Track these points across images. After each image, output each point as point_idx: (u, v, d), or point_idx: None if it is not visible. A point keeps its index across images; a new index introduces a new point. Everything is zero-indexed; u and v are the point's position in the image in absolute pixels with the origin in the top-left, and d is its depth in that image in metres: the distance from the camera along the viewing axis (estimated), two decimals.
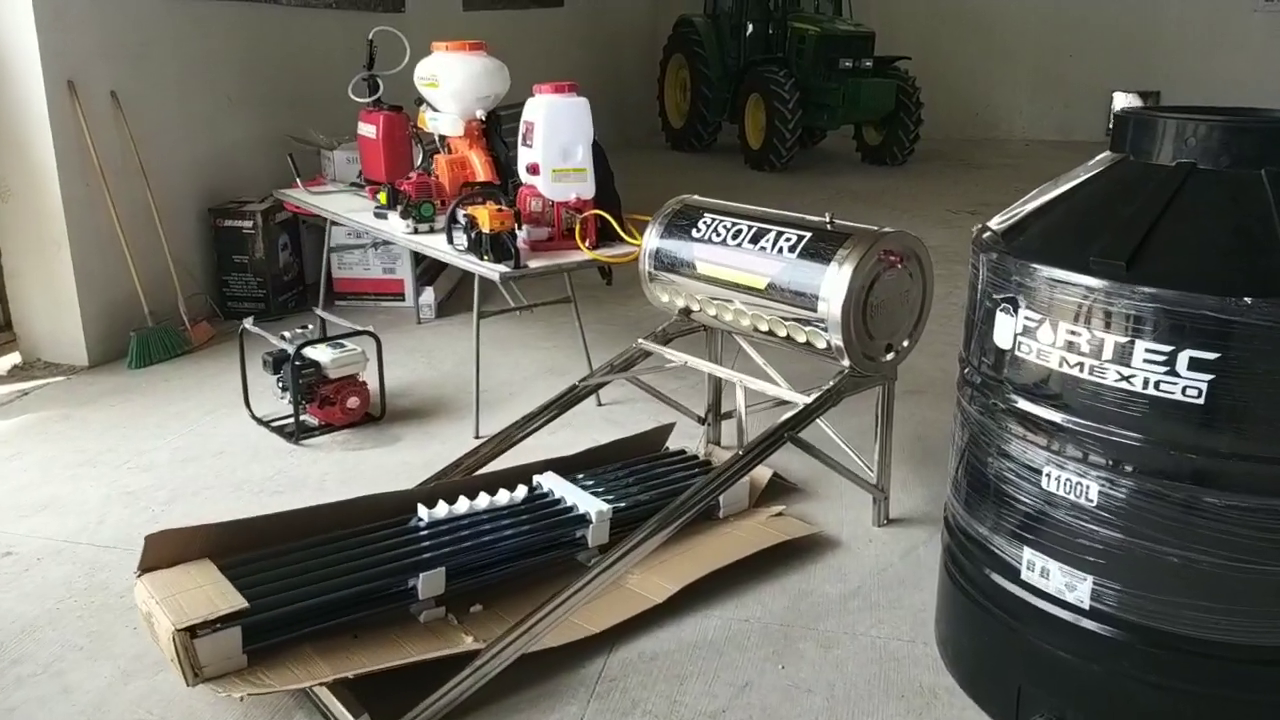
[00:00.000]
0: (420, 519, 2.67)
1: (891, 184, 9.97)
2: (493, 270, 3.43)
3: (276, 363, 3.72)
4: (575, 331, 4.32)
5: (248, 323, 3.89)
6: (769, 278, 2.84)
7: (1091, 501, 1.91)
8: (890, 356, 2.86)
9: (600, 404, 4.12)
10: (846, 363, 2.76)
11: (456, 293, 5.68)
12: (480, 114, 4.10)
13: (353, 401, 3.80)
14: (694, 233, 3.10)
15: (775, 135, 10.30)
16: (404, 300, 5.57)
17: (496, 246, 3.46)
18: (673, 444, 3.51)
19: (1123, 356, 1.81)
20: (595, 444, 3.42)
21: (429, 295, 5.35)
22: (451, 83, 4.02)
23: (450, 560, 2.53)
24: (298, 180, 4.60)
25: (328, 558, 2.49)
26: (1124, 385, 1.82)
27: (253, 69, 5.57)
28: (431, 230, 3.97)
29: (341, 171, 5.31)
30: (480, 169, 4.12)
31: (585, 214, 3.67)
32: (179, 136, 5.07)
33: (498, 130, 4.20)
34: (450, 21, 7.67)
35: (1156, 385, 1.79)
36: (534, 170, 3.60)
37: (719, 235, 3.02)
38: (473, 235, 3.52)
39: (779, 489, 3.29)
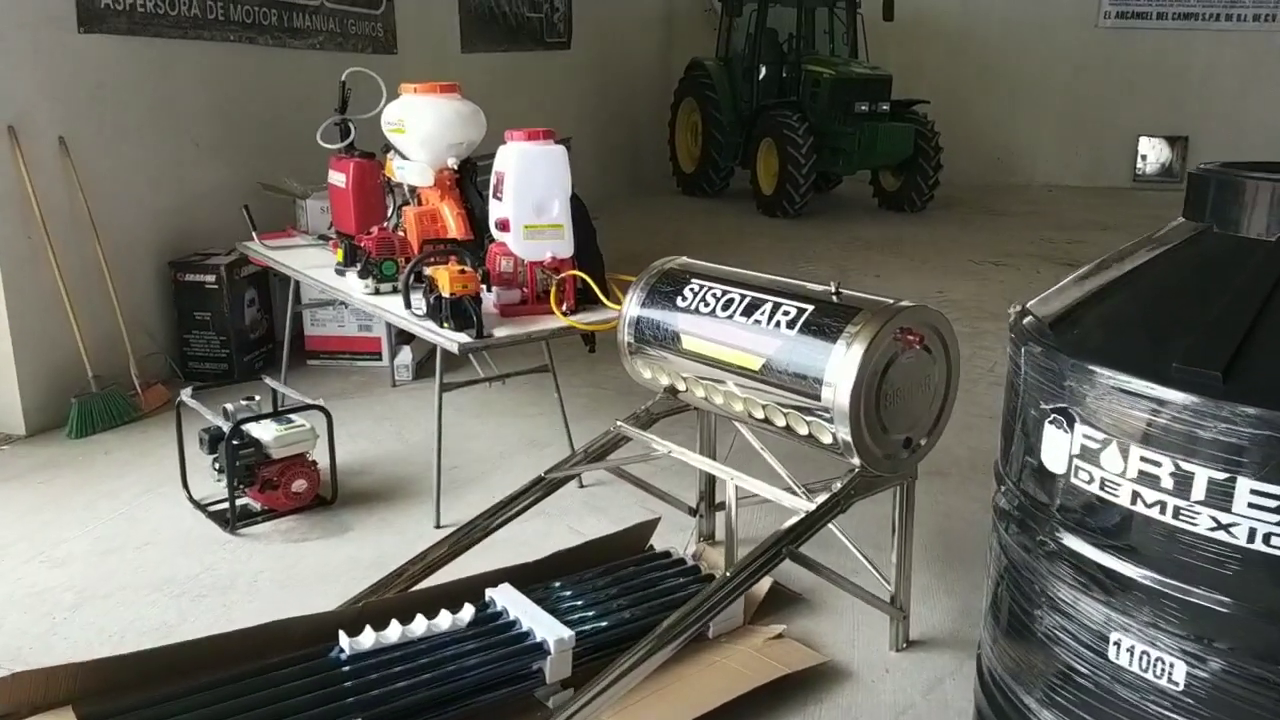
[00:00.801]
0: (341, 650, 2.22)
1: (910, 232, 9.55)
2: (451, 340, 3.00)
3: (213, 440, 3.30)
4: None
5: (185, 394, 3.47)
6: (765, 357, 2.39)
7: (1176, 685, 1.44)
8: (909, 454, 2.40)
9: (582, 485, 3.67)
10: (856, 461, 2.30)
11: (434, 351, 5.25)
12: (452, 163, 3.70)
13: (299, 485, 3.36)
14: (679, 301, 2.67)
15: (788, 181, 9.92)
16: (380, 360, 5.16)
17: (457, 313, 3.04)
18: (662, 534, 3.06)
19: (1220, 498, 1.36)
20: (573, 533, 2.98)
21: (406, 356, 4.94)
22: (420, 128, 3.63)
23: (376, 707, 2.08)
24: (254, 234, 4.21)
25: (219, 705, 2.03)
26: (1220, 536, 1.37)
27: (224, 111, 5.21)
28: (394, 290, 3.56)
29: (315, 222, 4.93)
30: (452, 223, 3.72)
31: (562, 275, 3.25)
32: (138, 185, 4.70)
33: (472, 181, 3.81)
34: (447, 64, 7.33)
35: (1266, 539, 1.33)
36: (504, 226, 3.19)
37: (707, 305, 2.59)
38: (432, 299, 3.11)
39: (780, 598, 2.83)
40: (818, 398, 2.26)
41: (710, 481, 3.13)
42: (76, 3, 4.25)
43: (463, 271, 3.06)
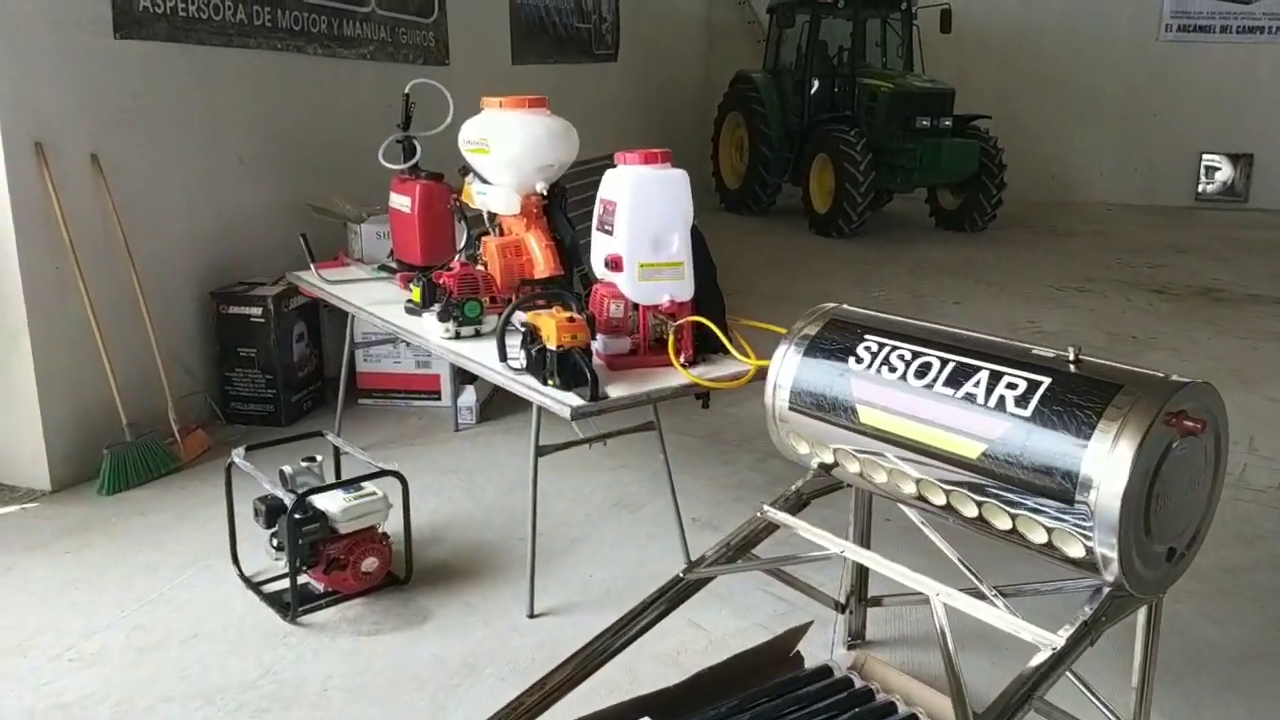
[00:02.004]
0: None
1: (974, 254, 9.03)
2: (560, 402, 2.51)
3: (270, 513, 2.82)
4: (648, 445, 3.39)
5: (237, 455, 3.00)
6: (985, 443, 1.90)
7: None
8: (1170, 567, 1.90)
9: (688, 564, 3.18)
10: (1111, 577, 1.80)
11: (502, 391, 4.77)
12: (541, 187, 3.23)
13: (369, 563, 2.88)
14: (852, 361, 2.18)
15: (846, 199, 9.42)
16: (439, 399, 4.68)
17: (565, 368, 2.55)
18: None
19: None
20: (694, 628, 2.51)
21: (470, 396, 4.46)
22: (507, 149, 3.16)
23: None
24: (312, 264, 3.73)
25: None
26: None
27: (270, 126, 4.76)
28: (477, 334, 3.09)
29: (370, 249, 4.46)
30: (540, 257, 3.24)
31: (681, 321, 2.76)
32: (176, 207, 4.25)
33: (561, 207, 3.33)
34: (498, 76, 6.89)
35: None
36: (615, 265, 2.71)
37: (894, 369, 2.09)
38: (534, 351, 2.62)
39: None
40: (1069, 501, 1.76)
41: (862, 573, 2.63)
42: (113, 5, 3.81)
43: (571, 319, 2.58)
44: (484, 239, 3.36)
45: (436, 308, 3.05)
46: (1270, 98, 12.16)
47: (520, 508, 3.58)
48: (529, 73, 7.48)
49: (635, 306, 2.78)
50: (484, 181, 3.36)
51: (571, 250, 3.31)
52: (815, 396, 2.23)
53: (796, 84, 10.53)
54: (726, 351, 2.85)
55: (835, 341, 2.25)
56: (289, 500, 2.75)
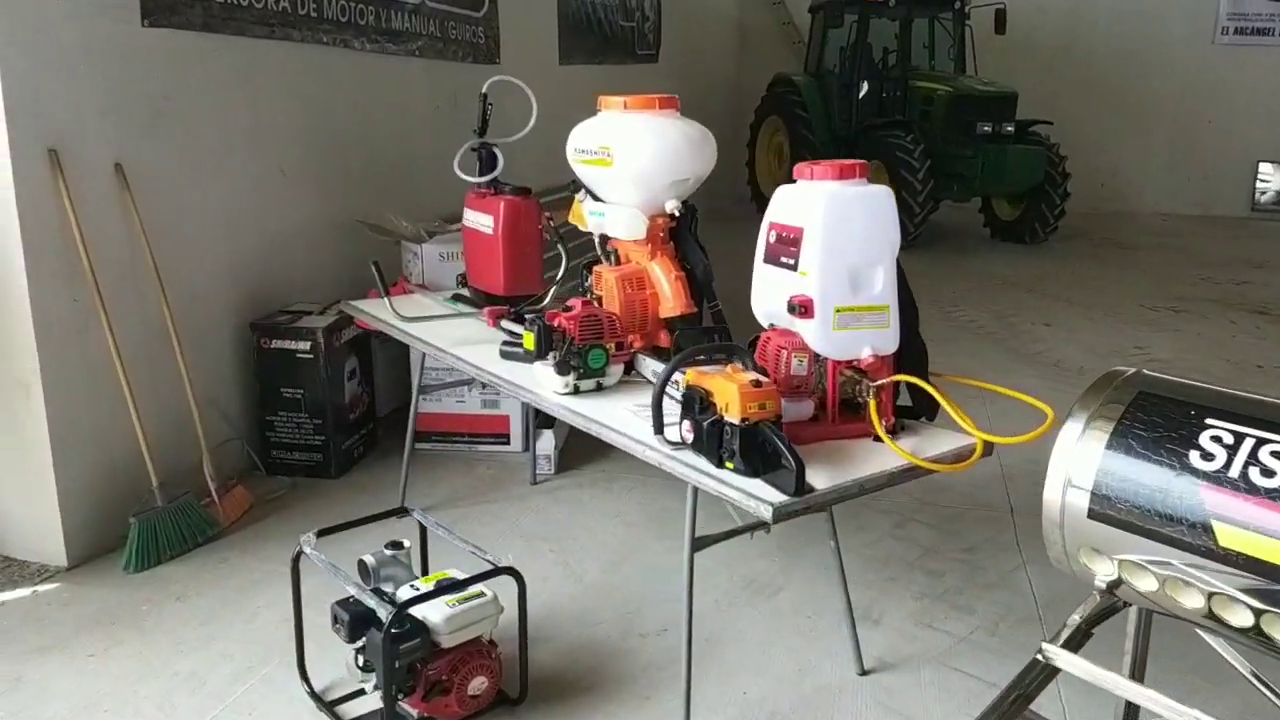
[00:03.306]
0: None
1: (1041, 268, 8.45)
2: (753, 496, 1.91)
3: (355, 624, 2.21)
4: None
5: (306, 544, 2.38)
6: None
7: None
8: None
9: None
10: None
11: (578, 433, 4.17)
12: (673, 206, 2.63)
13: (478, 684, 2.28)
14: (1195, 456, 1.57)
15: (903, 208, 8.68)
16: (508, 444, 4.09)
17: (753, 449, 1.95)
18: None
19: None
20: None
21: (548, 442, 3.85)
22: (635, 160, 2.57)
23: None
24: (386, 296, 3.11)
25: None
26: None
27: (315, 131, 4.16)
28: (599, 388, 2.50)
29: (433, 272, 3.88)
30: (669, 290, 2.64)
31: (883, 381, 2.16)
32: (214, 224, 3.64)
33: (692, 230, 2.74)
34: (547, 75, 6.31)
35: None
36: (806, 310, 2.11)
37: (1272, 473, 1.49)
38: (706, 424, 2.02)
39: None
40: None
41: (1134, 712, 2.03)
42: None
43: (757, 384, 1.98)
44: (596, 270, 2.76)
45: (553, 356, 2.44)
46: None
47: (630, 590, 3.00)
48: (577, 74, 6.90)
49: (823, 363, 2.19)
50: (596, 199, 2.78)
51: (704, 282, 2.72)
52: (1136, 505, 1.63)
53: (843, 87, 9.96)
54: (928, 416, 2.26)
55: (1159, 426, 1.65)
56: (381, 610, 2.14)
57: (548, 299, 3.07)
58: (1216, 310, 6.92)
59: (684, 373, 2.14)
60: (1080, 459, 1.71)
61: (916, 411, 2.28)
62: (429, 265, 3.93)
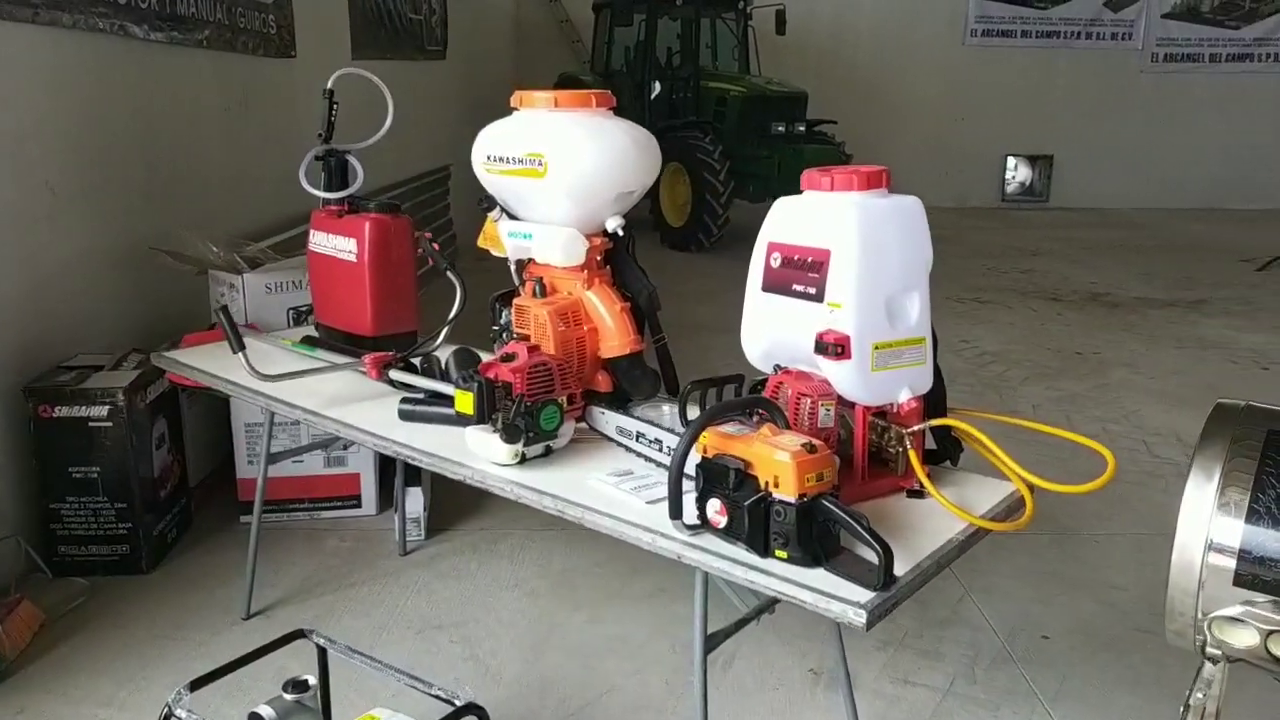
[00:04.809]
0: None
1: None
2: (840, 600, 1.49)
3: None
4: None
5: (178, 704, 1.73)
6: None
7: None
8: None
9: None
10: None
11: (448, 487, 3.58)
12: (615, 225, 2.18)
13: None
14: None
15: (706, 211, 8.74)
16: (359, 506, 3.46)
17: (810, 532, 1.55)
18: None
19: None
20: None
21: (418, 502, 3.26)
22: (575, 169, 2.09)
23: None
24: (241, 351, 2.39)
25: None
26: None
27: (89, 139, 3.33)
28: (548, 451, 2.00)
29: (259, 309, 3.21)
30: (612, 326, 2.19)
31: (918, 427, 1.82)
32: None
33: (630, 251, 2.30)
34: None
35: None
36: (842, 349, 1.72)
37: None
38: (748, 504, 1.58)
39: None
40: None
41: None
42: None
43: (811, 448, 1.57)
44: (516, 303, 2.26)
45: (498, 421, 1.92)
46: (1066, 100, 12.67)
47: (566, 683, 2.53)
48: (370, 69, 6.18)
49: (851, 410, 1.81)
50: (511, 218, 2.27)
51: (649, 312, 2.29)
52: None
53: (635, 87, 9.72)
54: (952, 460, 1.95)
55: None
56: None
57: (439, 340, 2.52)
58: (1016, 299, 7.21)
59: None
60: (1223, 521, 1.44)
61: (941, 455, 1.96)
62: (253, 300, 3.24)
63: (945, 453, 1.94)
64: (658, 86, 9.58)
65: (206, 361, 2.64)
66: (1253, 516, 1.45)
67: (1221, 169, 12.52)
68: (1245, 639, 1.48)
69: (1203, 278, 8.14)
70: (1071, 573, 3.09)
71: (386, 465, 3.52)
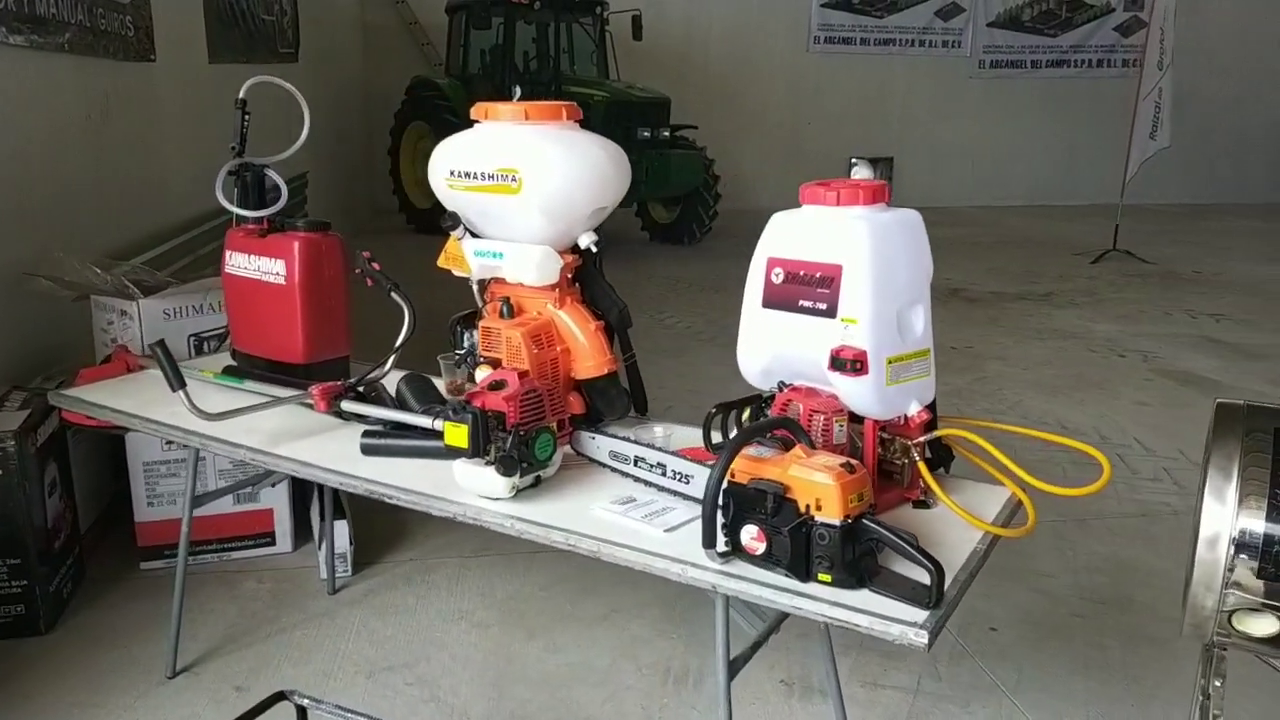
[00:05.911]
0: None
1: (717, 268, 8.70)
2: (899, 622, 1.47)
3: None
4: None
5: None
6: None
7: None
8: None
9: None
10: None
11: (374, 515, 3.38)
12: (588, 241, 2.11)
13: None
14: None
15: None
16: (273, 544, 3.24)
17: (853, 553, 1.52)
18: None
19: None
20: None
21: (344, 536, 3.07)
22: (550, 184, 2.00)
23: None
24: (182, 390, 2.15)
25: None
26: None
27: None
28: (538, 482, 1.91)
29: (156, 337, 2.91)
30: (587, 346, 2.11)
31: (924, 438, 1.83)
32: None
33: (598, 267, 2.23)
34: (197, 75, 5.22)
35: None
36: (858, 365, 1.70)
37: None
38: (789, 529, 1.54)
39: None
40: None
41: None
42: None
43: (850, 469, 1.55)
44: (485, 325, 2.14)
45: (495, 453, 1.81)
46: (904, 104, 13.28)
47: (536, 715, 2.42)
48: (230, 74, 5.82)
49: (857, 422, 1.80)
50: (473, 236, 2.16)
51: (621, 329, 2.22)
52: None
53: (495, 91, 9.54)
54: (945, 467, 1.97)
55: None
56: None
57: (388, 366, 2.37)
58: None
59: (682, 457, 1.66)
60: (1243, 516, 1.51)
61: (935, 464, 1.97)
62: (150, 326, 2.97)
63: (939, 461, 1.96)
64: (519, 91, 9.37)
65: (118, 399, 2.40)
66: (1273, 513, 1.52)
67: (1044, 167, 13.42)
68: (1265, 628, 1.55)
69: (1044, 271, 8.68)
70: (1003, 563, 3.19)
71: (299, 499, 3.31)
